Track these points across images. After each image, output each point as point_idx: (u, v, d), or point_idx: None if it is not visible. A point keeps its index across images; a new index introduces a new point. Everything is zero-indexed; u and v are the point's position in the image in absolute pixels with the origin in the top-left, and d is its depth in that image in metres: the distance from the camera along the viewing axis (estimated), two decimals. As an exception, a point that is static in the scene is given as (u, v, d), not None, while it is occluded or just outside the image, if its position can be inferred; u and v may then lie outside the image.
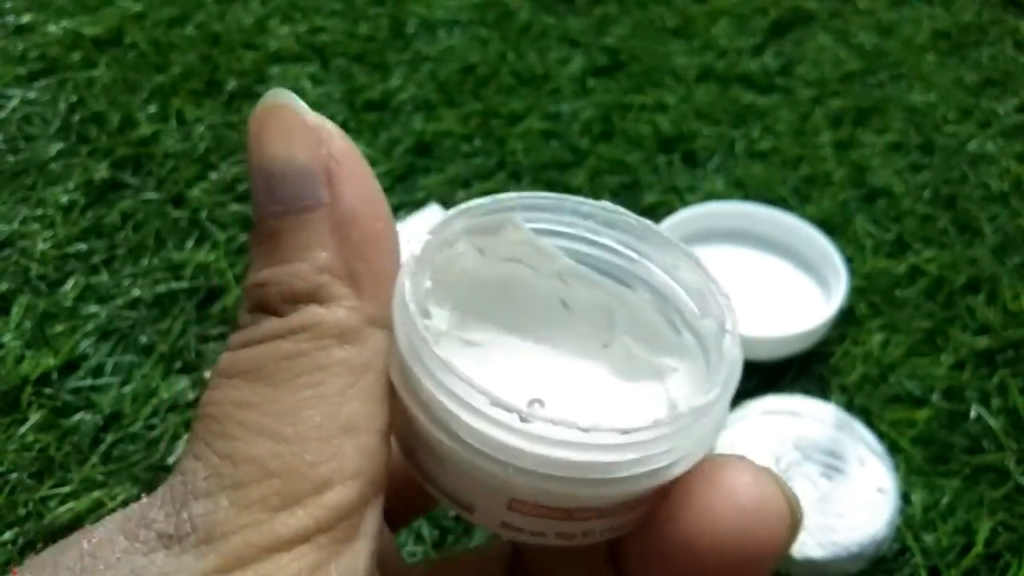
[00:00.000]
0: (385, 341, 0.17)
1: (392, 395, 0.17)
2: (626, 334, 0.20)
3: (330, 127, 0.17)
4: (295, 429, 0.15)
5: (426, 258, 0.18)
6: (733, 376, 0.17)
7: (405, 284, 0.17)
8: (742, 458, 0.17)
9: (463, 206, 0.19)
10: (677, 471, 0.17)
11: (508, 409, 0.15)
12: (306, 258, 0.16)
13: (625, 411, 0.19)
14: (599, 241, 0.20)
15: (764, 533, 0.16)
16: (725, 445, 0.49)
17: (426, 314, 0.19)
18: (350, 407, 0.15)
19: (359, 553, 0.15)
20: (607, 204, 0.19)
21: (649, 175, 0.71)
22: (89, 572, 0.14)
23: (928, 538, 0.47)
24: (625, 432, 0.15)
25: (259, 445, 0.15)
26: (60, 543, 0.15)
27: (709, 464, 0.17)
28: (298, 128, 0.17)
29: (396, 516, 0.22)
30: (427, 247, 0.18)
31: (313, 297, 0.16)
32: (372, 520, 0.16)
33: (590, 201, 0.19)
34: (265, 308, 0.16)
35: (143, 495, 0.16)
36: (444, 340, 0.20)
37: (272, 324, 0.16)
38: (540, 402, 0.19)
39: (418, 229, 0.61)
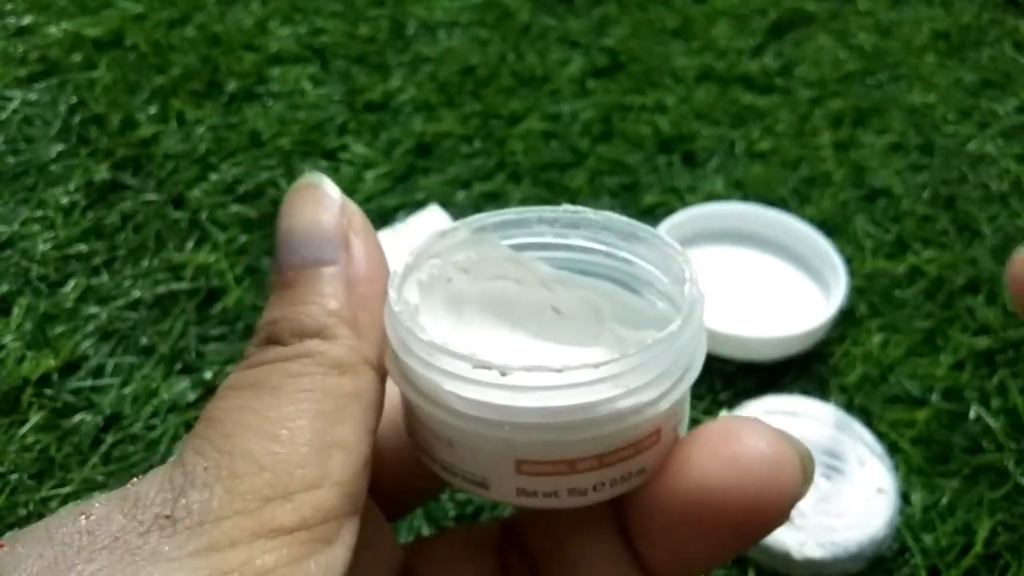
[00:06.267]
0: (376, 381, 0.19)
1: (402, 409, 0.19)
2: (613, 321, 0.21)
3: (353, 206, 0.20)
4: (291, 433, 0.16)
5: (410, 274, 0.20)
6: (695, 310, 0.18)
7: (390, 293, 0.19)
8: (757, 420, 0.18)
9: (440, 230, 0.21)
10: (663, 406, 0.18)
11: (488, 367, 0.17)
12: (318, 302, 0.18)
13: None
14: (569, 243, 0.22)
15: (782, 481, 0.17)
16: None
17: (415, 317, 0.20)
18: (341, 428, 0.17)
19: (338, 557, 0.16)
20: (567, 207, 0.21)
21: (649, 176, 0.71)
22: (86, 550, 0.14)
23: (928, 538, 0.47)
24: (597, 366, 0.17)
25: (256, 443, 0.16)
26: (55, 516, 0.15)
27: (721, 422, 0.18)
28: (326, 200, 0.20)
29: (395, 506, 0.23)
30: (409, 266, 0.20)
31: (319, 334, 0.18)
32: (350, 532, 0.17)
33: (550, 208, 0.21)
34: (274, 341, 0.18)
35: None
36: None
37: (278, 350, 0.18)
38: None
39: (415, 233, 0.61)
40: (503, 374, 0.17)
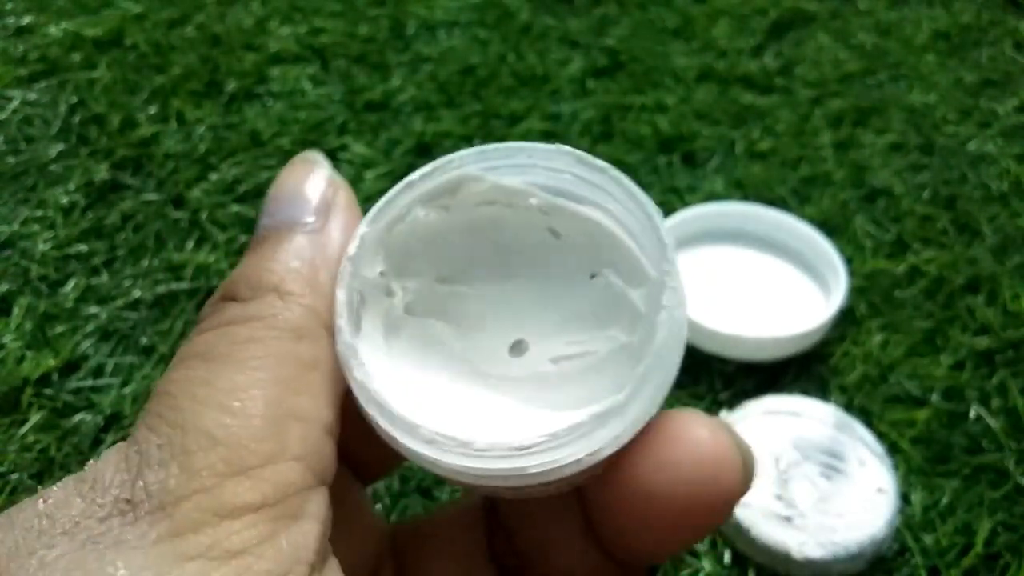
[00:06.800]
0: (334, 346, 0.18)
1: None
2: (608, 265, 0.20)
3: (342, 181, 0.20)
4: (243, 405, 0.16)
5: (368, 251, 0.19)
6: (659, 364, 0.17)
7: (339, 322, 0.18)
8: (696, 412, 0.18)
9: (404, 181, 0.20)
10: (604, 454, 0.17)
11: (414, 436, 0.17)
12: (280, 259, 0.18)
13: (590, 366, 0.20)
14: (563, 176, 0.20)
15: (721, 483, 0.17)
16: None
17: (389, 292, 0.20)
18: (296, 398, 0.16)
19: (308, 532, 0.16)
20: (561, 146, 0.20)
21: (649, 175, 0.71)
22: (46, 534, 0.14)
23: (928, 538, 0.47)
24: (521, 449, 0.16)
25: (208, 416, 0.15)
26: (20, 503, 0.15)
27: (666, 418, 0.18)
28: (315, 173, 0.20)
29: (366, 469, 0.23)
30: (366, 240, 0.19)
31: (275, 289, 0.17)
32: (318, 504, 0.16)
33: (543, 144, 0.20)
34: (231, 297, 0.17)
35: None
36: (414, 308, 0.20)
37: (232, 310, 0.17)
38: (524, 344, 0.20)
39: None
40: (428, 440, 0.17)
